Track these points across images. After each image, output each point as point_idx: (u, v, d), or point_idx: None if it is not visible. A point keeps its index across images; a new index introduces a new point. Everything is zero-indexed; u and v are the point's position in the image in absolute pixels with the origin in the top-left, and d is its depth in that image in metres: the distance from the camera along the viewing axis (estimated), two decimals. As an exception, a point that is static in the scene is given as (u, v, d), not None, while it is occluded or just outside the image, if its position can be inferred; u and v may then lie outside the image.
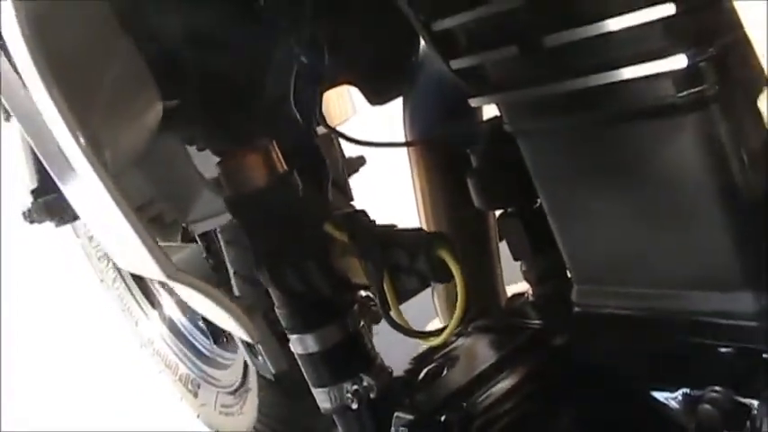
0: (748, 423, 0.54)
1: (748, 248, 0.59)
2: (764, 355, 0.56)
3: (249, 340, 0.61)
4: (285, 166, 0.71)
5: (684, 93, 0.57)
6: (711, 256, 0.60)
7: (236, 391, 1.40)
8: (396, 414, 0.67)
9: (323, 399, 0.75)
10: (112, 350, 1.97)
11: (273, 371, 0.71)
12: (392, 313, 0.63)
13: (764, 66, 0.60)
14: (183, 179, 0.91)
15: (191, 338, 1.59)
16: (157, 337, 1.62)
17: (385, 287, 0.62)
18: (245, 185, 0.70)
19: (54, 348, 2.20)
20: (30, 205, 1.35)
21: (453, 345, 0.77)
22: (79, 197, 0.73)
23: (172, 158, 0.90)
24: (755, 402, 0.54)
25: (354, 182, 1.14)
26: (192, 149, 0.93)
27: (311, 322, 0.72)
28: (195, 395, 1.53)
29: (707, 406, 0.56)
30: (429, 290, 1.01)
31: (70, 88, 0.59)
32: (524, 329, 0.72)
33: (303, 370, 0.75)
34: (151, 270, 0.61)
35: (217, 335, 1.54)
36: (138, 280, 1.64)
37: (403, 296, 0.64)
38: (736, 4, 0.60)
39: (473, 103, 0.68)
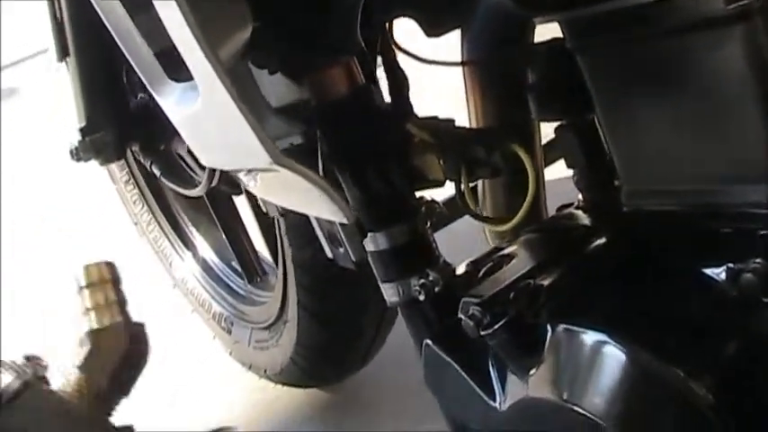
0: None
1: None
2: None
3: (344, 221, 0.69)
4: (364, 79, 0.79)
5: (732, 6, 0.65)
6: (749, 153, 0.68)
7: (271, 325, 1.48)
8: (463, 300, 0.75)
9: (391, 293, 0.83)
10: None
11: (355, 259, 0.79)
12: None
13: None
14: (250, 101, 0.99)
15: (224, 278, 1.67)
16: (191, 277, 1.70)
17: (462, 179, 0.71)
18: (329, 95, 0.78)
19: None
20: (77, 143, 1.41)
21: (506, 249, 0.85)
22: (174, 101, 0.80)
23: (241, 82, 0.97)
24: (792, 271, 0.62)
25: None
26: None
27: (384, 221, 0.80)
28: (229, 332, 1.61)
29: (748, 275, 0.64)
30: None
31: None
32: (577, 227, 0.80)
33: (373, 266, 0.83)
34: (258, 158, 0.69)
35: (251, 274, 1.62)
36: (173, 222, 1.72)
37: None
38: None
39: (538, 22, 0.76)
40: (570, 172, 0.84)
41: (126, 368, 0.53)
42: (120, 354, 0.53)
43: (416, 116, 0.75)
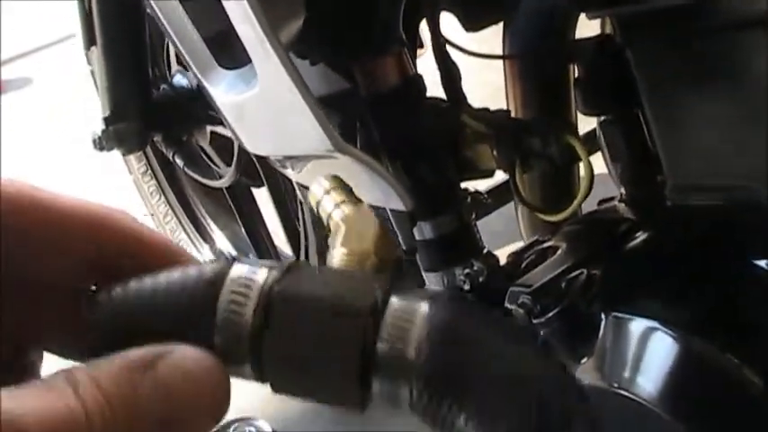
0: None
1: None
2: None
3: (404, 209, 0.70)
4: (414, 70, 0.80)
5: (785, 4, 0.67)
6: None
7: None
8: (511, 289, 0.77)
9: (435, 282, 0.84)
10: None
11: (405, 248, 0.80)
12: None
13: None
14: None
15: (241, 271, 1.67)
16: (207, 269, 1.69)
17: (516, 170, 0.72)
18: (380, 85, 0.79)
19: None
20: (100, 133, 1.42)
21: (548, 242, 0.86)
22: (224, 88, 0.81)
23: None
24: None
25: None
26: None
27: (432, 211, 0.81)
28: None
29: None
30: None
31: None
32: (621, 220, 0.81)
33: (419, 255, 0.84)
34: (319, 143, 0.69)
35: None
36: (191, 214, 1.72)
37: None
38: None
39: (589, 18, 0.78)
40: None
41: (384, 243, 0.55)
42: (374, 231, 0.55)
43: (470, 106, 0.76)
